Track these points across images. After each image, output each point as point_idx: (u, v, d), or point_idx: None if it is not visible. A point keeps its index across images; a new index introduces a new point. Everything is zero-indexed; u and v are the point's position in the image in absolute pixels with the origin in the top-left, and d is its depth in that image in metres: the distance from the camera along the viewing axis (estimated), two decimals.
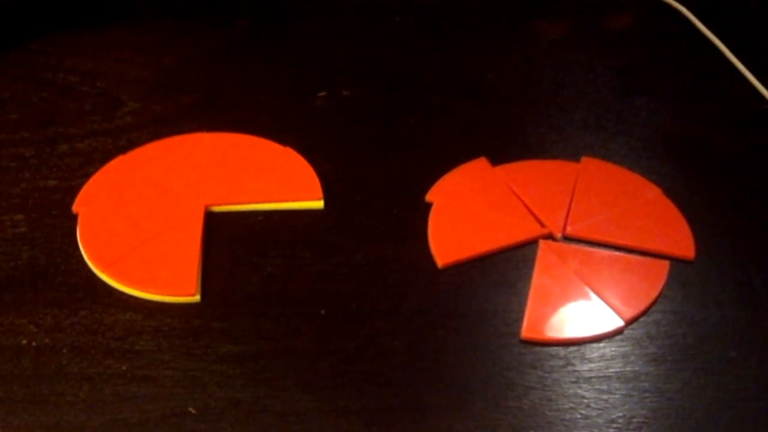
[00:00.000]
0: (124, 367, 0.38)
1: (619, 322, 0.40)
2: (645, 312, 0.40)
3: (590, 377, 0.38)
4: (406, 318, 0.40)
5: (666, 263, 0.42)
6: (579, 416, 0.37)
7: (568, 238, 0.43)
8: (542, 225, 0.43)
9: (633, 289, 0.41)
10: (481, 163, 0.46)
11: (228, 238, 0.43)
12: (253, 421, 0.37)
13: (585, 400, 0.37)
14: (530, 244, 0.43)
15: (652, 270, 0.41)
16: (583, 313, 0.40)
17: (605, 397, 0.37)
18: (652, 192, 0.44)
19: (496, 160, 0.46)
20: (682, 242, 0.43)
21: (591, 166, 0.46)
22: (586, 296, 0.40)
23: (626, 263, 0.42)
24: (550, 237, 0.43)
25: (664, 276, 0.41)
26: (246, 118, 0.48)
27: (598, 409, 0.37)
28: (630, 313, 0.40)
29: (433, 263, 0.42)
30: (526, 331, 0.39)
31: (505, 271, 0.42)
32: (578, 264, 0.42)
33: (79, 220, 0.43)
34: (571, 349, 0.39)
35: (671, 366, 0.39)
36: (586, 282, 0.41)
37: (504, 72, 0.51)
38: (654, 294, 0.41)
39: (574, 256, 0.42)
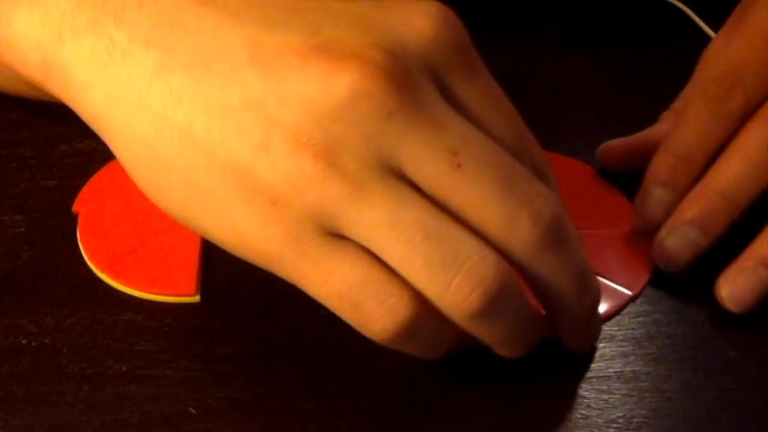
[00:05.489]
0: (124, 367, 0.38)
1: (627, 294, 0.40)
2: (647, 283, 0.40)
3: (590, 377, 0.38)
4: None
5: None
6: (579, 416, 0.37)
7: None
8: None
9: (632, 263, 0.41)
10: None
11: None
12: (253, 421, 0.37)
13: (585, 400, 0.37)
14: None
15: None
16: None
17: (605, 397, 0.37)
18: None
19: None
20: None
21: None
22: None
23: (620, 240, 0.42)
24: None
25: None
26: None
27: (598, 409, 0.37)
28: (637, 286, 0.40)
29: None
30: None
31: None
32: None
33: (79, 220, 0.43)
34: None
35: (671, 366, 0.38)
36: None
37: (504, 72, 0.51)
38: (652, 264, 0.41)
39: None
